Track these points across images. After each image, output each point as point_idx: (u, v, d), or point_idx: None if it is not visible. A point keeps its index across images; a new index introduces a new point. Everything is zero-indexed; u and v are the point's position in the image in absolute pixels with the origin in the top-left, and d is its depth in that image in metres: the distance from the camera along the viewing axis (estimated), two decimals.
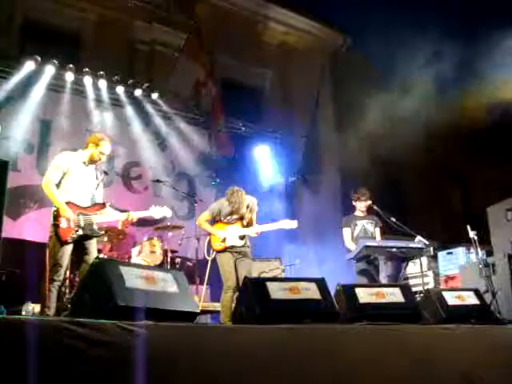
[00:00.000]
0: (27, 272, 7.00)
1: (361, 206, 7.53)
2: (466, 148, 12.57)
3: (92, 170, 5.56)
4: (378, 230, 7.50)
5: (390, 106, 11.04)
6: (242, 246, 6.29)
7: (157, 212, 5.92)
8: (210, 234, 6.44)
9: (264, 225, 6.46)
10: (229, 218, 6.38)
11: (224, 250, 6.26)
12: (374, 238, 7.39)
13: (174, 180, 10.63)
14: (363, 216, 7.53)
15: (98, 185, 5.56)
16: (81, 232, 5.17)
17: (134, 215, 5.63)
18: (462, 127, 11.50)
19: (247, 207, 6.42)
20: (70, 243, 5.12)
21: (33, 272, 6.26)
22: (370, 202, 7.53)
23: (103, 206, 5.49)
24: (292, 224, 6.54)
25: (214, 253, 6.33)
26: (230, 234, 6.29)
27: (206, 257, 6.46)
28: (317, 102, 13.16)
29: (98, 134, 5.70)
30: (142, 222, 9.25)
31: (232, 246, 6.26)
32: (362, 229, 7.44)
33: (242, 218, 6.40)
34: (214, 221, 6.46)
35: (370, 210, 7.56)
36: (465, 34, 10.13)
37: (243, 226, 6.40)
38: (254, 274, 6.64)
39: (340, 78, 13.90)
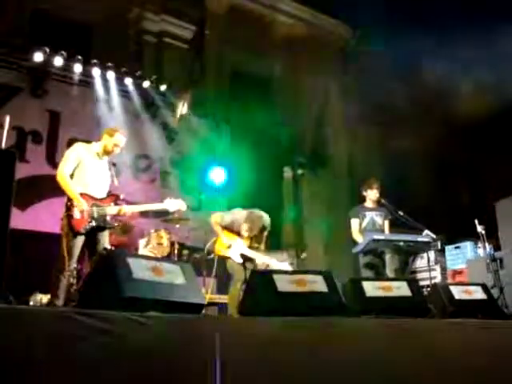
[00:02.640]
0: (35, 262, 7.04)
1: (371, 195, 7.41)
2: (474, 142, 12.49)
3: (105, 162, 5.58)
4: (387, 222, 7.43)
5: (399, 98, 11.00)
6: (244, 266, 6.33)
7: (172, 205, 5.90)
8: (216, 236, 6.48)
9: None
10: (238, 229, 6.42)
11: (227, 258, 6.32)
12: (383, 230, 7.32)
13: (183, 172, 10.64)
14: (373, 207, 7.43)
15: (111, 176, 5.58)
16: (94, 223, 5.20)
17: (129, 209, 5.61)
18: (471, 120, 11.44)
19: (260, 228, 6.44)
20: (82, 234, 5.14)
21: (41, 262, 6.29)
22: (379, 194, 7.47)
23: (117, 197, 5.50)
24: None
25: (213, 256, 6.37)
26: (234, 246, 6.30)
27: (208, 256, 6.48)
28: (326, 94, 13.14)
29: (112, 127, 5.72)
30: (149, 214, 9.31)
31: (229, 258, 6.31)
32: (371, 221, 7.35)
33: (244, 237, 6.42)
34: (225, 227, 6.50)
35: (378, 203, 7.49)
36: (478, 24, 10.04)
37: (250, 244, 6.41)
38: (261, 267, 6.64)
39: (349, 70, 13.86)
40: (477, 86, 10.58)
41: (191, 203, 10.36)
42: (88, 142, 5.65)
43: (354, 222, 7.40)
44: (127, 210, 5.55)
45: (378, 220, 7.36)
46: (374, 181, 7.49)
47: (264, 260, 6.42)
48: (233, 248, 6.28)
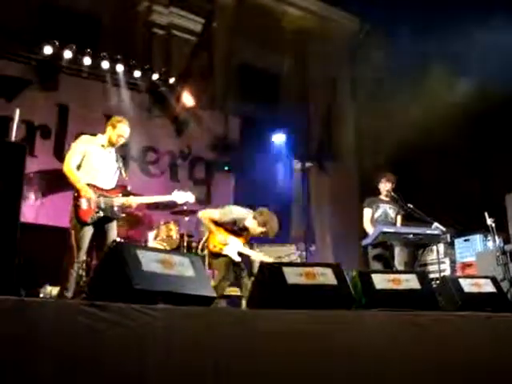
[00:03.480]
0: (44, 255, 7.08)
1: (387, 187, 7.42)
2: (485, 134, 12.43)
3: (112, 154, 5.58)
4: (399, 217, 7.44)
5: (409, 93, 10.96)
6: (238, 264, 6.30)
7: (180, 196, 5.92)
8: (210, 232, 6.35)
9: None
10: (236, 228, 6.36)
11: (218, 255, 6.24)
12: (394, 224, 7.33)
13: (191, 165, 10.66)
14: (387, 200, 7.45)
15: (118, 168, 5.58)
16: (101, 213, 5.21)
17: (137, 200, 5.64)
18: (481, 113, 11.38)
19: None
20: (89, 224, 5.16)
21: (50, 255, 6.32)
22: (393, 188, 7.46)
23: (125, 188, 5.51)
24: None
25: (206, 252, 6.30)
26: (231, 244, 6.27)
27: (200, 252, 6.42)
28: (334, 88, 13.10)
29: (116, 117, 5.69)
30: (159, 206, 9.33)
31: (226, 256, 6.24)
32: (384, 213, 7.35)
33: (240, 236, 6.39)
34: (217, 224, 6.36)
35: (392, 197, 7.49)
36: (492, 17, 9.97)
37: (245, 243, 6.40)
38: (270, 259, 6.62)
39: (358, 64, 13.80)
40: (487, 78, 10.51)
41: (200, 195, 10.43)
42: (94, 135, 5.67)
43: (367, 212, 7.42)
44: (135, 201, 5.58)
45: (391, 213, 7.38)
46: (391, 175, 7.49)
47: (261, 258, 6.42)
48: (230, 246, 6.23)
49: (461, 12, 10.47)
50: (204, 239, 6.44)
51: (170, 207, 8.39)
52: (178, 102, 10.52)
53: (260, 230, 6.26)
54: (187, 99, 10.47)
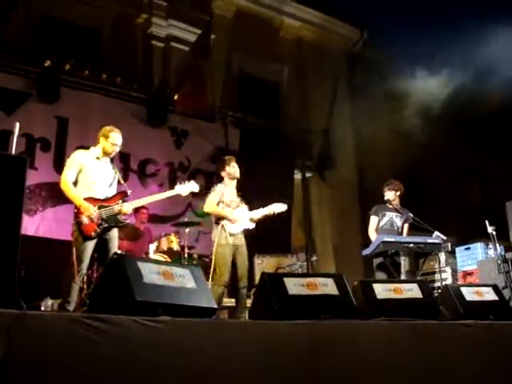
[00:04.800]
0: (46, 268, 7.07)
1: (389, 195, 7.37)
2: (484, 142, 12.47)
3: (108, 164, 5.58)
4: (406, 226, 7.40)
5: (407, 102, 10.99)
6: (242, 239, 6.26)
7: (183, 189, 5.92)
8: (219, 220, 6.26)
9: (261, 209, 6.41)
10: (230, 201, 6.32)
11: (235, 234, 6.17)
12: (400, 233, 7.29)
13: (190, 177, 10.66)
14: (394, 209, 7.40)
15: (115, 177, 5.58)
16: (105, 224, 5.22)
17: (141, 202, 5.64)
18: (482, 121, 11.42)
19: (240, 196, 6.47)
20: (93, 238, 5.16)
21: (51, 268, 6.31)
22: (400, 197, 7.43)
23: (125, 194, 5.50)
24: (282, 207, 6.54)
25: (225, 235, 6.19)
26: (240, 217, 6.23)
27: (216, 239, 6.34)
28: (334, 97, 13.12)
29: (106, 127, 5.65)
30: (159, 219, 9.33)
31: (243, 230, 6.23)
32: (389, 221, 7.30)
33: (239, 205, 6.38)
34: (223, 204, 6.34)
35: (397, 206, 7.44)
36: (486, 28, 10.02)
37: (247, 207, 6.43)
38: (271, 270, 6.60)
39: (357, 73, 13.85)
40: (487, 87, 10.55)
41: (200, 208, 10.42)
42: (87, 148, 5.67)
43: (373, 220, 7.39)
44: (140, 201, 5.59)
45: (397, 221, 7.31)
46: (398, 184, 7.46)
47: (268, 210, 6.41)
48: (241, 219, 6.24)
49: (459, 21, 10.54)
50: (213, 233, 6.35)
51: (169, 219, 8.40)
52: (177, 113, 10.54)
53: (229, 170, 6.39)
54: (186, 111, 10.50)
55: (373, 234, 7.27)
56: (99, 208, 5.24)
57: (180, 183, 6.02)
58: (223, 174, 6.43)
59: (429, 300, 4.59)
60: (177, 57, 11.76)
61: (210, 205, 6.28)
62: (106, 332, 2.66)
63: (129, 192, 5.54)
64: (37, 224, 8.57)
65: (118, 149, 5.61)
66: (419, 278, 7.00)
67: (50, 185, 8.60)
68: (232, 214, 6.22)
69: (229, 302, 7.58)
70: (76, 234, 5.15)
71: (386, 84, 11.27)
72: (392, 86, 10.99)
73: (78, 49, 10.16)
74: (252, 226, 6.32)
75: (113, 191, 5.51)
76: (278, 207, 6.54)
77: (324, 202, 13.19)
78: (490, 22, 10.02)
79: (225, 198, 6.31)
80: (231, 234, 6.15)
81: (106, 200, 5.36)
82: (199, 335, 2.99)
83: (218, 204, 6.28)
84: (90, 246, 5.16)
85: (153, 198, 5.85)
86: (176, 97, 10.36)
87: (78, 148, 5.90)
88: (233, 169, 6.43)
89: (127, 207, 5.46)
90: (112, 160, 5.69)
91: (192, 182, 6.02)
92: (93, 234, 5.14)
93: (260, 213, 6.40)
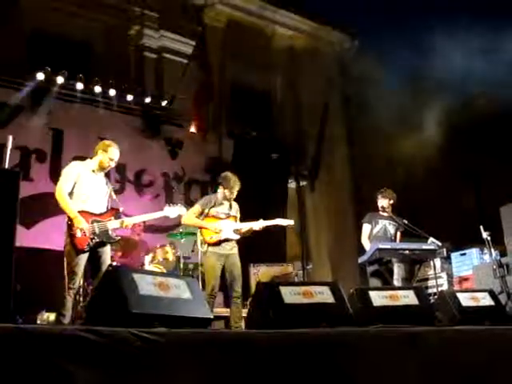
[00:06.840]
0: (42, 280, 7.04)
1: (382, 203, 7.39)
2: (479, 147, 12.49)
3: (102, 178, 5.58)
4: (399, 233, 7.42)
5: (401, 107, 11.02)
6: (232, 248, 6.25)
7: (171, 211, 5.95)
8: (200, 229, 6.30)
9: (261, 221, 6.40)
10: (219, 211, 6.31)
11: (218, 244, 6.14)
12: (393, 240, 7.31)
13: (186, 187, 10.67)
14: (387, 216, 7.41)
15: (108, 192, 5.58)
16: (97, 239, 5.21)
17: (131, 221, 5.65)
18: (475, 126, 11.45)
19: (235, 209, 6.46)
20: (86, 252, 5.15)
21: (47, 280, 6.28)
22: (393, 205, 7.45)
23: (117, 211, 5.51)
24: (289, 222, 6.68)
25: (206, 248, 6.19)
26: (224, 227, 6.22)
27: (200, 249, 6.35)
28: (326, 105, 13.16)
29: (105, 141, 5.68)
30: (155, 229, 9.31)
31: (226, 240, 6.18)
32: (383, 228, 7.31)
33: (229, 216, 6.36)
34: (203, 216, 6.33)
35: (390, 213, 7.45)
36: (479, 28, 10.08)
37: (236, 221, 6.39)
38: (267, 279, 6.60)
39: (349, 81, 13.89)
40: (479, 90, 10.59)
41: None
42: (84, 159, 5.68)
43: (366, 228, 7.40)
44: (129, 222, 5.57)
45: (391, 229, 7.33)
46: (391, 192, 7.48)
47: (262, 224, 6.36)
48: (224, 229, 6.22)
49: (449, 29, 10.59)
50: (197, 241, 6.39)
51: (164, 229, 8.37)
52: (171, 124, 10.56)
53: (229, 191, 6.32)
54: (180, 122, 10.53)
55: (366, 242, 7.29)
56: (92, 222, 5.23)
57: (169, 205, 6.03)
58: (222, 188, 6.41)
59: (425, 306, 4.59)
60: (169, 68, 11.78)
61: (187, 217, 6.32)
62: (102, 345, 2.65)
63: (121, 209, 5.55)
64: (33, 235, 8.54)
65: (113, 164, 5.62)
66: (415, 285, 7.01)
67: (46, 195, 8.57)
68: (213, 224, 6.23)
69: (226, 312, 7.56)
70: (69, 248, 5.14)
71: (378, 91, 11.31)
72: (384, 94, 11.03)
73: (71, 61, 10.15)
74: (236, 237, 6.30)
75: (104, 205, 5.51)
76: (285, 222, 6.66)
77: (318, 210, 13.20)
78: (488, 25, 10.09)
79: (215, 207, 6.34)
80: (211, 244, 6.17)
81: (100, 215, 5.35)
82: (196, 346, 2.98)
83: (201, 213, 6.32)
84: (83, 258, 5.15)
85: (146, 216, 5.91)
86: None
87: (74, 159, 5.90)
88: (231, 194, 6.38)
89: (128, 221, 5.50)
90: (107, 174, 5.71)
91: (179, 206, 6.05)
92: (86, 247, 5.13)
93: (249, 225, 6.40)
